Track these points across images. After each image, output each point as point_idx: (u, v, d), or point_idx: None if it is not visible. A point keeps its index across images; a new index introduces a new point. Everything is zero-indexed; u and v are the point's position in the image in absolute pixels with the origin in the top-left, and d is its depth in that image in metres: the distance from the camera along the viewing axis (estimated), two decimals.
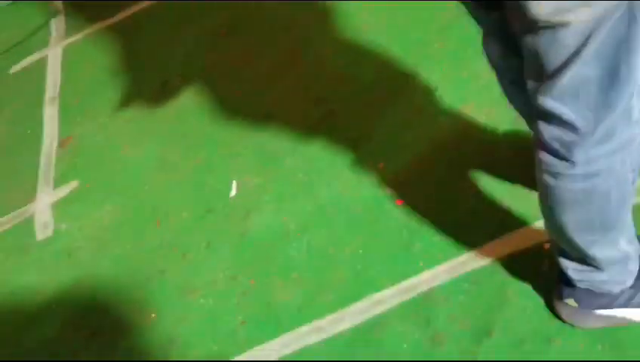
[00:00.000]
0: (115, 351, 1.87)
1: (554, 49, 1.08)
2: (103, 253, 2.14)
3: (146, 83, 2.56)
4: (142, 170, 2.31)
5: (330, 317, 1.73)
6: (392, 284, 1.74)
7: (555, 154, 1.26)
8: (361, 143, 2.07)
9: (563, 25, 1.04)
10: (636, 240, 1.45)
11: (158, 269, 2.02)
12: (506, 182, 1.82)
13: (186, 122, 2.34)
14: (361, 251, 1.82)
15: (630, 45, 1.09)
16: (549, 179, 1.32)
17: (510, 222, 1.74)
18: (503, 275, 1.66)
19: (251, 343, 1.76)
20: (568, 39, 1.06)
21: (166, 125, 2.40)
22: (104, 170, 2.38)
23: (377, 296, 1.73)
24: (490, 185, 1.83)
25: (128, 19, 2.85)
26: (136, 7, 2.83)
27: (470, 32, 1.99)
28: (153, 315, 1.91)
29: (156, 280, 1.99)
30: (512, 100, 1.57)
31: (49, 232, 2.25)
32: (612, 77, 1.12)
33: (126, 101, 2.54)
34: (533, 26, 1.06)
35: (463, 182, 1.87)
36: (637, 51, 1.11)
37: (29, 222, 2.32)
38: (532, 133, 1.59)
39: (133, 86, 2.60)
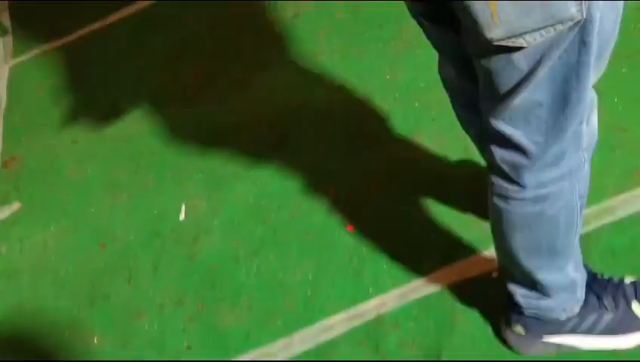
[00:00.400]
0: None
1: (507, 72, 1.09)
2: (45, 277, 2.08)
3: (95, 104, 2.52)
4: (88, 192, 2.26)
5: (279, 343, 1.71)
6: (342, 310, 1.73)
7: (505, 177, 1.28)
8: (312, 169, 2.07)
9: (516, 48, 1.05)
10: (583, 268, 1.47)
11: (103, 293, 1.97)
12: (457, 210, 1.83)
13: (134, 144, 2.30)
14: (311, 277, 1.81)
15: (580, 71, 1.11)
16: (499, 202, 1.34)
17: (460, 249, 1.75)
18: (452, 302, 1.67)
19: None
20: (521, 62, 1.07)
21: (114, 147, 2.36)
22: (48, 192, 2.33)
23: (327, 321, 1.72)
24: (441, 213, 1.84)
25: (78, 40, 2.81)
26: (86, 29, 2.79)
27: (421, 63, 2.03)
28: (96, 340, 1.86)
29: (100, 304, 1.94)
30: (464, 125, 1.59)
31: None
32: (562, 102, 1.13)
33: (73, 122, 2.50)
34: (488, 49, 1.07)
35: (413, 209, 1.87)
36: (587, 78, 1.13)
37: None
38: (483, 158, 1.62)
39: (81, 107, 2.55)
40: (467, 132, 1.59)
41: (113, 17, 2.79)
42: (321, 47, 2.41)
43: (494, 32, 1.03)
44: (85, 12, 2.84)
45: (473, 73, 1.34)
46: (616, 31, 1.17)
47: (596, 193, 1.74)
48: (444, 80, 1.47)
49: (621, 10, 1.16)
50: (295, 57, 2.43)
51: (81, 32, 2.79)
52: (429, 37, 1.34)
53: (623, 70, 1.99)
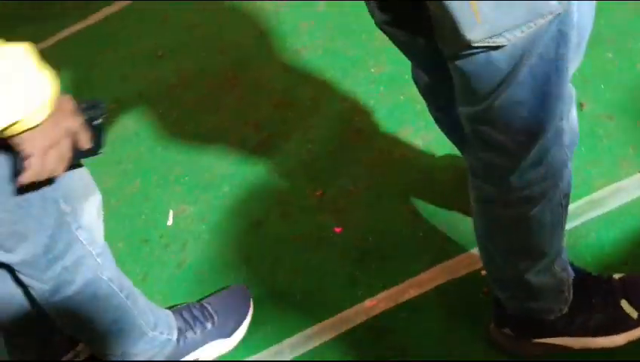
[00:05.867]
0: None
1: (486, 73, 1.07)
2: None
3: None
4: None
5: (270, 350, 1.70)
6: (332, 314, 1.71)
7: (488, 180, 1.26)
8: (299, 169, 2.05)
9: (495, 47, 1.03)
10: (569, 267, 1.45)
11: None
12: (444, 207, 1.82)
13: (120, 149, 2.28)
14: (300, 281, 1.80)
15: (559, 66, 1.09)
16: (483, 205, 1.32)
17: (448, 249, 1.73)
18: (442, 303, 1.65)
19: None
20: (501, 62, 1.05)
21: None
22: None
23: (318, 326, 1.71)
24: (429, 211, 1.82)
25: (60, 42, 2.79)
26: (69, 30, 2.76)
27: (404, 57, 1.99)
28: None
29: None
30: (442, 127, 1.57)
31: None
32: (543, 99, 1.12)
33: None
34: (466, 51, 1.05)
35: (401, 207, 1.86)
36: (566, 71, 1.11)
37: None
38: (465, 160, 1.60)
39: None
40: (445, 133, 1.57)
41: (94, 18, 2.76)
42: (304, 41, 2.39)
43: (475, 33, 1.01)
44: (67, 13, 2.81)
45: (446, 76, 1.32)
46: (592, 21, 1.14)
47: (584, 185, 1.73)
48: (417, 83, 1.44)
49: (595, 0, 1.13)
50: (279, 53, 2.41)
51: (64, 33, 2.76)
52: (396, 43, 1.32)
53: (609, 55, 1.96)
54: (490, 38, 1.02)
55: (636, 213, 1.67)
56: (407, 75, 2.13)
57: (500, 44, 1.02)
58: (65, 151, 1.14)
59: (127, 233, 2.08)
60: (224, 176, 2.11)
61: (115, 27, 2.72)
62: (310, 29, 2.40)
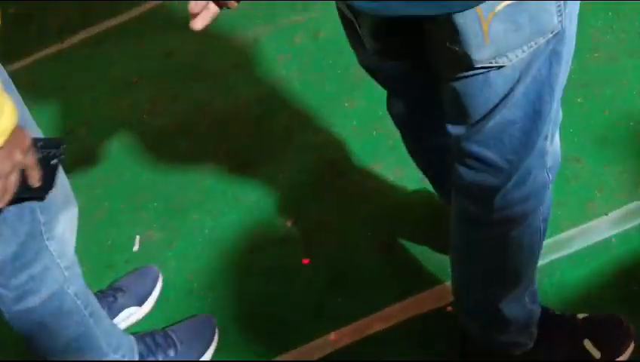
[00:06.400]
0: None
1: (484, 94, 1.09)
2: None
3: (49, 131, 2.48)
4: None
5: None
6: (297, 345, 1.70)
7: (473, 199, 1.27)
8: (270, 198, 2.04)
9: (496, 68, 1.05)
10: (538, 302, 1.46)
11: None
12: (413, 242, 1.82)
13: (89, 174, 2.26)
14: (267, 312, 1.78)
15: (552, 84, 1.11)
16: (465, 225, 1.33)
17: (416, 283, 1.73)
18: (407, 337, 1.65)
19: None
20: (499, 83, 1.07)
21: (67, 175, 2.31)
22: None
23: (282, 357, 1.69)
24: (398, 245, 1.83)
25: (38, 62, 2.77)
26: (42, 53, 2.75)
27: (379, 91, 2.02)
28: None
29: None
30: (416, 158, 1.58)
31: None
32: (535, 118, 1.13)
33: None
34: (467, 72, 1.06)
35: (370, 241, 1.86)
36: (558, 89, 1.14)
37: None
38: (436, 189, 1.61)
39: None
40: (418, 165, 1.58)
41: (70, 41, 2.75)
42: (280, 72, 2.40)
43: (483, 53, 1.02)
44: (41, 35, 2.80)
45: (425, 106, 1.33)
46: (575, 41, 1.16)
47: (551, 225, 1.73)
48: (393, 115, 1.46)
49: (576, 19, 1.15)
50: (255, 82, 2.41)
51: (36, 56, 2.74)
52: (378, 76, 1.33)
53: (578, 100, 2.00)
54: (494, 58, 1.03)
55: (601, 254, 1.69)
56: (381, 111, 2.16)
57: (501, 65, 1.04)
58: (10, 185, 1.12)
59: (92, 257, 2.05)
60: (193, 203, 2.10)
61: (91, 51, 2.71)
62: (287, 61, 2.41)
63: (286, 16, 2.53)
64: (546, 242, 1.69)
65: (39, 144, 1.18)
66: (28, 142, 1.13)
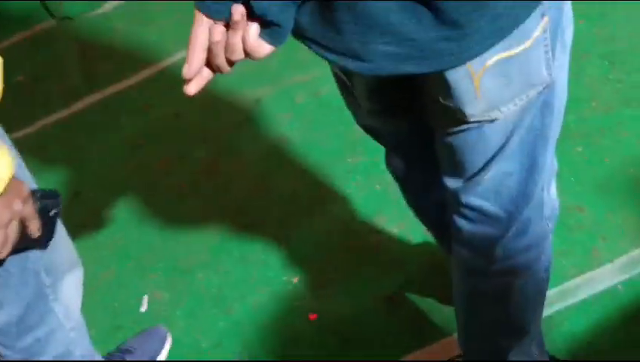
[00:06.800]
0: None
1: (479, 148, 1.11)
2: None
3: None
4: None
5: None
6: None
7: (474, 251, 1.27)
8: (277, 255, 2.05)
9: (490, 122, 1.07)
10: (546, 351, 1.46)
11: None
12: (420, 294, 1.82)
13: (96, 235, 2.28)
14: None
15: (546, 134, 1.13)
16: (467, 277, 1.33)
17: (424, 336, 1.73)
18: None
19: None
20: (493, 136, 1.09)
21: (76, 238, 2.33)
22: None
23: None
24: (404, 298, 1.83)
25: (41, 130, 2.81)
26: (49, 119, 2.79)
27: (381, 148, 2.05)
28: None
29: None
30: (416, 211, 1.59)
31: None
32: (531, 169, 1.15)
33: None
34: (461, 126, 1.08)
35: (376, 296, 1.86)
36: (552, 140, 1.15)
37: None
38: (441, 243, 1.62)
39: None
40: (419, 218, 1.59)
41: (76, 106, 2.80)
42: (282, 131, 2.43)
43: (475, 108, 1.04)
44: (47, 102, 2.85)
45: (423, 161, 1.35)
46: (567, 92, 1.19)
47: (556, 275, 1.74)
48: (392, 171, 1.48)
49: (567, 70, 1.18)
50: (258, 142, 2.45)
51: (44, 121, 2.79)
52: (374, 134, 1.36)
53: (578, 149, 2.02)
54: (487, 112, 1.05)
55: (608, 302, 1.69)
56: (383, 166, 2.16)
57: (494, 118, 1.06)
58: (11, 234, 1.13)
59: (99, 319, 2.05)
60: (200, 263, 2.11)
61: (97, 116, 2.75)
62: (289, 119, 2.45)
63: (287, 76, 2.57)
64: (552, 291, 1.71)
65: (37, 195, 1.19)
66: (26, 191, 1.14)
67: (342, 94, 1.28)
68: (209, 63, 0.98)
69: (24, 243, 1.17)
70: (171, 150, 2.54)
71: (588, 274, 1.75)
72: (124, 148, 2.61)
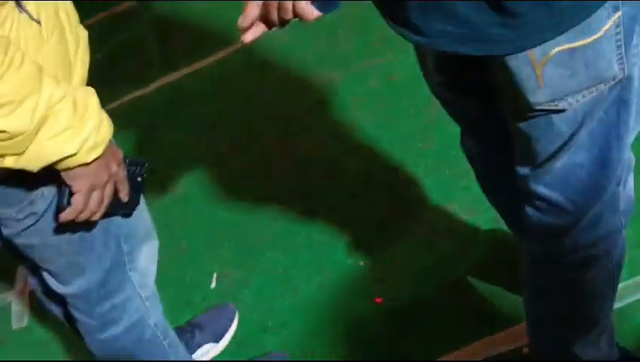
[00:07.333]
0: None
1: (548, 136, 1.10)
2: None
3: None
4: None
5: None
6: None
7: (542, 242, 1.26)
8: (344, 238, 2.06)
9: (557, 112, 1.06)
10: (615, 345, 1.43)
11: None
12: (487, 282, 1.81)
13: (169, 212, 2.33)
14: (339, 352, 1.79)
15: (620, 131, 1.11)
16: (535, 266, 1.32)
17: (491, 323, 1.72)
18: None
19: None
20: (562, 126, 1.08)
21: (150, 213, 2.39)
22: None
23: None
24: (471, 285, 1.81)
25: (116, 109, 2.88)
26: (126, 98, 2.86)
27: (452, 132, 2.03)
28: None
29: None
30: (489, 195, 1.57)
31: (24, 323, 2.21)
32: (603, 162, 1.13)
33: None
34: (528, 113, 1.07)
35: (445, 281, 1.85)
36: (627, 136, 1.13)
37: (5, 311, 2.28)
38: (510, 228, 1.60)
39: None
40: (492, 202, 1.57)
41: (153, 86, 2.86)
42: (355, 114, 2.43)
43: (538, 96, 1.04)
44: (125, 80, 2.92)
45: (497, 142, 1.33)
46: None
47: (629, 267, 1.69)
48: (466, 151, 1.46)
49: None
50: (330, 125, 2.46)
51: (121, 100, 2.86)
52: (449, 110, 1.35)
53: None
54: (553, 101, 1.04)
55: None
56: (454, 151, 2.17)
57: (561, 108, 1.05)
58: (107, 195, 1.18)
59: (170, 294, 2.10)
60: (268, 242, 2.14)
61: (172, 95, 2.80)
62: (361, 102, 2.45)
63: (360, 59, 2.57)
64: (626, 284, 1.67)
65: (126, 161, 1.24)
66: (121, 155, 1.20)
67: (419, 62, 1.28)
68: (265, 18, 1.05)
69: (113, 208, 1.22)
70: (243, 131, 2.57)
71: None
72: (197, 127, 2.65)
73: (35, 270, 1.39)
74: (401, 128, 2.32)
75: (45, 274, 1.35)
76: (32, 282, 1.47)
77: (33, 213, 1.22)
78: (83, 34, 1.27)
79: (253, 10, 1.04)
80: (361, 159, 2.29)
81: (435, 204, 2.05)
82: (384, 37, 2.40)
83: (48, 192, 1.21)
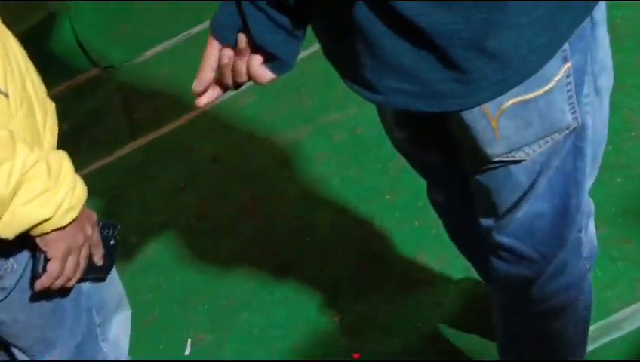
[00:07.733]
0: None
1: (507, 187, 1.11)
2: None
3: None
4: None
5: None
6: None
7: (510, 292, 1.27)
8: (318, 295, 2.06)
9: (515, 162, 1.07)
10: None
11: None
12: (463, 331, 1.81)
13: (140, 279, 2.31)
14: None
15: (578, 178, 1.13)
16: (505, 318, 1.32)
17: None
18: None
19: None
20: (520, 176, 1.09)
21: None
22: None
23: None
24: (447, 335, 1.81)
25: (90, 173, 2.87)
26: (93, 166, 2.85)
27: (420, 182, 2.05)
28: None
29: None
30: (459, 247, 1.59)
31: None
32: (563, 210, 1.15)
33: None
34: (486, 165, 1.09)
35: (420, 333, 1.85)
36: (584, 183, 1.15)
37: None
38: (481, 277, 1.61)
39: None
40: (462, 252, 1.59)
41: (118, 153, 2.86)
42: (321, 170, 2.45)
43: (495, 148, 1.05)
44: (92, 149, 2.92)
45: (461, 194, 1.35)
46: (606, 134, 1.18)
47: (601, 307, 1.72)
48: (433, 203, 1.48)
49: (607, 114, 1.17)
50: (297, 182, 2.47)
51: (89, 168, 2.85)
52: (413, 164, 1.37)
53: (619, 180, 2.00)
54: (510, 152, 1.06)
55: None
56: (422, 202, 2.19)
57: (519, 159, 1.07)
58: (82, 260, 1.17)
59: None
60: (242, 304, 2.12)
61: (140, 160, 2.81)
62: (327, 158, 2.47)
63: (324, 115, 2.60)
64: (597, 325, 1.69)
65: (99, 224, 1.23)
66: (94, 217, 1.19)
67: (380, 120, 1.30)
68: (219, 81, 1.06)
69: (87, 272, 1.20)
70: (211, 192, 2.58)
71: (632, 307, 1.72)
72: (166, 191, 2.65)
73: (4, 344, 1.36)
74: (368, 182, 2.34)
75: (14, 349, 1.33)
76: (0, 356, 1.44)
77: (2, 289, 1.21)
78: (51, 106, 1.27)
79: (207, 74, 1.05)
80: (329, 215, 2.30)
81: (406, 256, 2.06)
82: (347, 91, 2.43)
83: (18, 266, 1.20)
